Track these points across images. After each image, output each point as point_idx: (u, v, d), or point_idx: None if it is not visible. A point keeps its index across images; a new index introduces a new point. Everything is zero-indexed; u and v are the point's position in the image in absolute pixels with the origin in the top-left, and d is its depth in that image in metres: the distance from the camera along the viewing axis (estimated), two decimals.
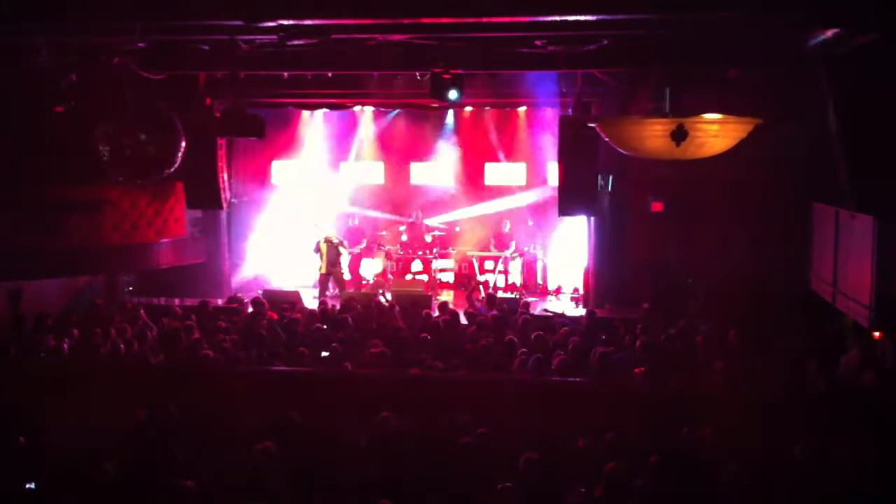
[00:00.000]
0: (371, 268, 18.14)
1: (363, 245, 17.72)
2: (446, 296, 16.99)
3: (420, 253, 17.63)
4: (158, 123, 12.21)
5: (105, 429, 8.01)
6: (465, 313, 13.11)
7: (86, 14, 9.68)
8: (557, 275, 17.70)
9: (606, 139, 11.81)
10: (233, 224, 17.43)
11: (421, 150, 18.53)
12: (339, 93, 15.54)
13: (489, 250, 17.74)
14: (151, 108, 12.30)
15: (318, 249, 16.43)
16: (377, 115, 18.27)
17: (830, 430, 7.55)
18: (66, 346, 10.86)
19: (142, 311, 12.55)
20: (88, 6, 9.59)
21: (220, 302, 14.64)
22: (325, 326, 11.71)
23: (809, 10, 9.39)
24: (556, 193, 15.28)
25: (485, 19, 10.26)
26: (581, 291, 16.46)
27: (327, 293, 16.33)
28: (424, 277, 17.44)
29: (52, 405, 8.37)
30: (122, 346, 10.80)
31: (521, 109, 17.54)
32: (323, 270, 16.40)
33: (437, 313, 12.66)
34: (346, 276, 17.67)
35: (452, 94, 12.26)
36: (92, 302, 13.62)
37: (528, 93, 15.07)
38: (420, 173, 18.68)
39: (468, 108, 17.61)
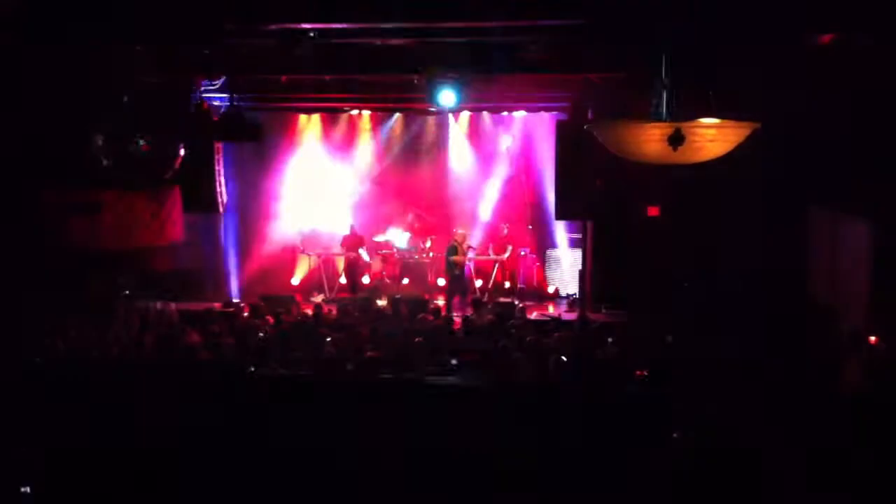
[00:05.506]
0: (368, 271, 18.12)
1: (360, 250, 17.68)
2: (443, 300, 17.02)
3: (416, 257, 17.61)
4: (157, 127, 12.22)
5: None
6: (462, 318, 13.09)
7: (84, 19, 9.70)
8: (554, 278, 17.70)
9: (603, 143, 11.83)
10: (230, 228, 17.41)
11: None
12: (336, 96, 15.57)
13: (487, 254, 17.72)
14: (150, 111, 12.31)
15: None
16: (374, 119, 18.27)
17: (828, 435, 7.53)
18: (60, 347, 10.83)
19: (136, 316, 12.55)
20: (87, 11, 9.61)
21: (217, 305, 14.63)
22: (321, 330, 11.69)
23: (808, 12, 9.42)
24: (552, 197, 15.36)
25: (482, 24, 10.29)
26: (577, 295, 16.44)
27: (322, 296, 16.39)
28: (421, 281, 17.45)
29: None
30: (114, 349, 10.77)
31: (519, 113, 17.55)
32: None
33: (432, 317, 12.66)
34: (344, 280, 17.70)
35: (450, 100, 12.39)
36: (89, 306, 13.61)
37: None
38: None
39: (465, 113, 17.60)
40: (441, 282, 17.90)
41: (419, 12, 9.81)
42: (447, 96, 12.64)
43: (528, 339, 10.87)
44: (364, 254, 17.73)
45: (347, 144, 18.49)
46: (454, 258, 16.16)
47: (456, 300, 15.86)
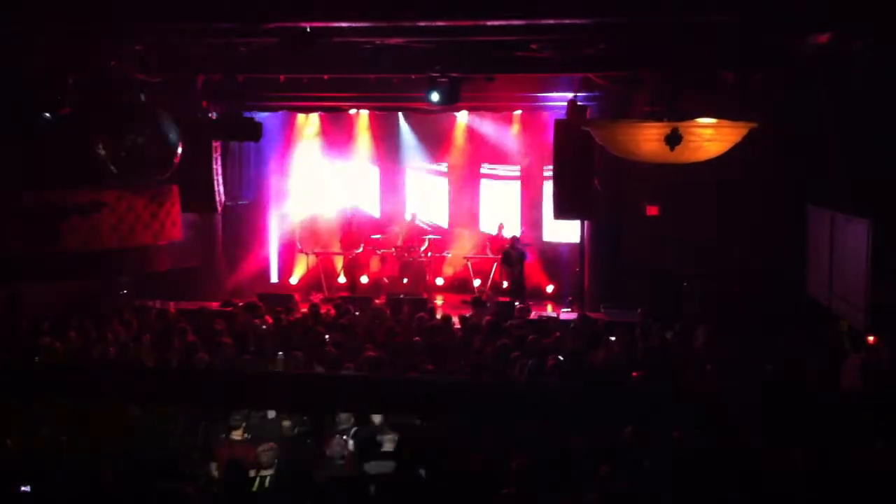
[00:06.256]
0: (367, 271, 18.11)
1: (359, 249, 17.67)
2: (441, 299, 17.02)
3: (412, 258, 17.60)
4: (156, 126, 12.22)
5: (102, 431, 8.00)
6: (460, 318, 13.09)
7: (84, 16, 9.69)
8: (553, 278, 17.69)
9: (601, 142, 11.84)
10: (228, 228, 17.39)
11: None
12: (336, 96, 15.57)
13: (485, 253, 17.71)
14: (149, 110, 12.31)
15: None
16: (373, 118, 18.25)
17: (830, 434, 7.54)
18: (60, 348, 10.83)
19: (135, 316, 12.56)
20: (87, 8, 9.60)
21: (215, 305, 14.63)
22: (319, 330, 11.70)
23: (806, 12, 9.42)
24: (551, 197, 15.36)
25: (482, 23, 10.29)
26: (576, 295, 16.43)
27: (321, 296, 16.36)
28: (420, 280, 17.44)
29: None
30: (112, 349, 10.77)
31: (517, 112, 17.52)
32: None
33: (429, 316, 12.68)
34: (342, 279, 17.71)
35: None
36: (89, 305, 13.61)
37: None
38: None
39: (464, 111, 17.57)
40: (446, 283, 17.89)
41: (421, 11, 9.81)
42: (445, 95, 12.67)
43: (529, 339, 10.88)
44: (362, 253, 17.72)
45: (346, 143, 18.47)
46: (513, 254, 16.04)
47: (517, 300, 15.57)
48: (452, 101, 12.76)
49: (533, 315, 14.59)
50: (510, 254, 16.34)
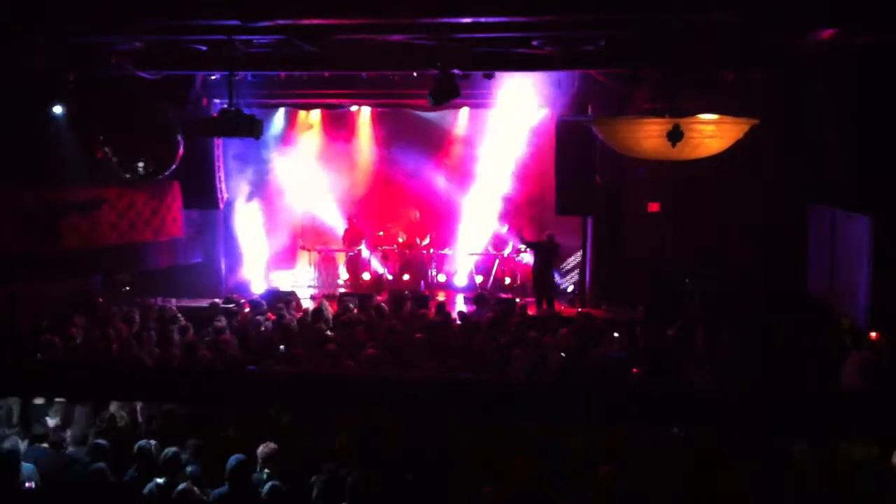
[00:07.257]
0: (368, 267, 18.11)
1: (361, 246, 17.68)
2: (443, 296, 17.01)
3: (414, 255, 17.60)
4: (157, 124, 12.23)
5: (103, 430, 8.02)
6: (460, 314, 13.07)
7: (84, 14, 9.69)
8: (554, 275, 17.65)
9: (602, 139, 11.84)
10: (229, 224, 17.38)
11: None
12: (336, 93, 15.55)
13: (486, 251, 17.70)
14: (150, 108, 12.31)
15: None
16: (375, 114, 18.22)
17: (830, 432, 7.53)
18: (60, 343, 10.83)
19: (136, 313, 12.55)
20: (86, 6, 9.60)
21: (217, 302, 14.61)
22: (321, 327, 11.70)
23: (806, 12, 9.41)
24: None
25: (482, 19, 10.27)
26: (577, 292, 16.41)
27: (322, 292, 16.38)
28: (421, 277, 17.45)
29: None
30: (114, 346, 10.78)
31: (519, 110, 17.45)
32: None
33: (433, 314, 12.68)
34: (344, 276, 17.70)
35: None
36: (90, 303, 13.61)
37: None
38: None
39: (465, 109, 17.54)
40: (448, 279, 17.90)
41: (421, 9, 9.80)
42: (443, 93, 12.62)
43: (530, 336, 10.87)
44: (364, 249, 17.74)
45: (348, 140, 18.46)
46: (544, 251, 15.70)
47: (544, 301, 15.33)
48: (451, 98, 12.70)
49: (535, 312, 14.54)
50: (540, 249, 15.67)
